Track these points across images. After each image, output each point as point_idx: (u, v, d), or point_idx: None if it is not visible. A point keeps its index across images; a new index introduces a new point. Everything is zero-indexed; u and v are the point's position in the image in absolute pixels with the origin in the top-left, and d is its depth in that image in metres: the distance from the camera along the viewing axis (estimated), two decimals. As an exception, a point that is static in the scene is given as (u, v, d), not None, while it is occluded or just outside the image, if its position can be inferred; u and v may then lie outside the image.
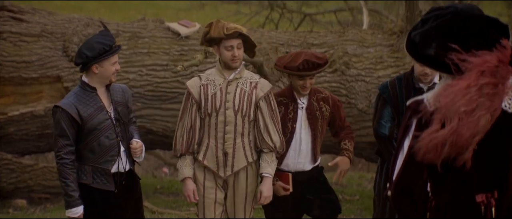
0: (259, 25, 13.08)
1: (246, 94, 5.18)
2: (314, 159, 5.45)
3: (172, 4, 16.98)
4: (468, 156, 2.85)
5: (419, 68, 5.36)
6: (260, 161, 5.25)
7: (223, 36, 5.07)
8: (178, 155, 5.22)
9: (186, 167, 5.20)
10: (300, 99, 5.41)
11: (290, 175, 5.35)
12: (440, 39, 2.92)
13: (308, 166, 5.44)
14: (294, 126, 5.37)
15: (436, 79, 5.42)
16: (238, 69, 5.20)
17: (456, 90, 2.81)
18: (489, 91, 2.81)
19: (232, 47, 5.11)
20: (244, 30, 5.18)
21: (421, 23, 3.03)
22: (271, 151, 5.21)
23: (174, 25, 8.76)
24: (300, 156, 5.39)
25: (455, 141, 2.80)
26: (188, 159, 5.20)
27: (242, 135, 5.19)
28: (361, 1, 10.52)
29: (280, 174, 5.35)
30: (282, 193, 5.34)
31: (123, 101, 5.07)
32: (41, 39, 8.41)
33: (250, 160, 5.24)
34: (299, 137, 5.39)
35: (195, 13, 15.42)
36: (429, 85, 5.40)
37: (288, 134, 5.36)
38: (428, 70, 5.30)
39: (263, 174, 5.22)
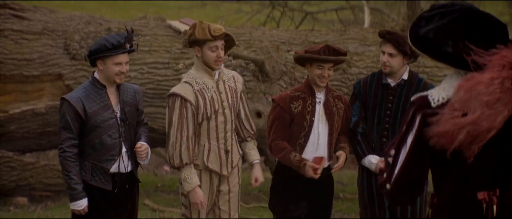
0: (260, 24, 13.09)
1: (233, 90, 5.26)
2: (330, 156, 5.44)
3: (173, 3, 16.98)
4: (475, 149, 2.86)
5: (381, 58, 5.42)
6: (246, 150, 5.40)
7: (210, 38, 5.04)
8: (184, 165, 5.13)
9: (194, 176, 5.14)
10: (318, 94, 5.41)
11: (324, 158, 5.34)
12: (456, 36, 2.94)
13: (324, 163, 5.43)
14: (313, 119, 5.36)
15: (405, 76, 5.44)
16: (221, 67, 5.24)
17: (479, 81, 2.83)
18: (509, 86, 2.82)
19: (216, 48, 5.08)
20: (228, 31, 5.23)
21: (426, 20, 3.05)
22: (252, 138, 5.41)
23: (176, 23, 8.77)
24: (318, 150, 5.38)
25: (473, 130, 2.81)
26: (192, 167, 5.16)
27: (235, 130, 5.32)
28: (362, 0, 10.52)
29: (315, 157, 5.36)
30: (310, 174, 5.32)
31: (133, 102, 5.06)
32: (43, 37, 8.41)
33: (240, 152, 5.37)
34: (317, 131, 5.38)
35: (196, 12, 15.42)
36: (397, 81, 5.43)
37: (306, 127, 5.36)
38: (385, 59, 5.36)
39: (254, 162, 5.41)
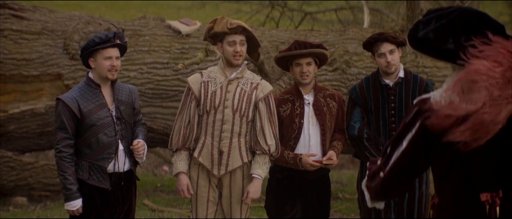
0: (259, 24, 13.10)
1: (246, 94, 5.17)
2: (323, 156, 5.43)
3: (172, 3, 16.98)
4: (479, 144, 2.86)
5: (381, 62, 5.43)
6: (252, 162, 5.21)
7: (227, 31, 5.08)
8: (174, 150, 5.21)
9: (181, 162, 5.18)
10: (306, 96, 5.42)
11: (321, 162, 5.34)
12: (456, 33, 2.96)
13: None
14: (302, 121, 5.37)
15: (401, 74, 5.49)
16: (240, 69, 5.19)
17: (478, 73, 2.83)
18: (510, 79, 2.83)
19: (234, 42, 5.10)
20: (248, 27, 5.19)
21: (423, 24, 3.07)
22: (264, 153, 5.20)
23: (175, 23, 8.77)
24: (310, 152, 5.38)
25: (478, 123, 2.81)
26: (183, 154, 5.19)
27: (239, 134, 5.16)
28: (362, 0, 10.52)
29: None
30: (308, 166, 5.32)
31: (129, 101, 5.07)
32: (42, 37, 8.41)
33: (246, 160, 5.20)
34: (308, 133, 5.38)
35: (195, 12, 15.42)
36: (395, 80, 5.46)
37: (296, 129, 5.37)
38: (389, 58, 5.38)
39: (253, 175, 5.18)
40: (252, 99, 5.17)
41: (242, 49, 5.13)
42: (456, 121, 2.85)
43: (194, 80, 5.19)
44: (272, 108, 5.22)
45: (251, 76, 5.25)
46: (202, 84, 5.16)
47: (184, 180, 5.18)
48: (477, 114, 2.82)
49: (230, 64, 5.15)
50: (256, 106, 5.18)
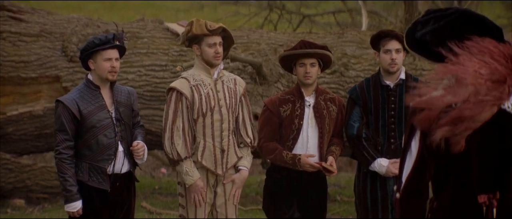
0: (258, 26, 13.09)
1: (232, 91, 5.27)
2: (321, 158, 5.45)
3: (171, 5, 17.00)
4: (460, 143, 2.86)
5: (386, 58, 5.44)
6: (239, 155, 5.32)
7: (207, 33, 5.13)
8: (183, 159, 5.15)
9: (194, 169, 5.17)
10: (307, 98, 5.44)
11: (322, 163, 5.35)
12: (453, 37, 2.96)
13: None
14: (301, 122, 5.39)
15: (402, 75, 5.51)
16: (221, 67, 5.27)
17: (466, 68, 2.83)
18: (499, 79, 2.83)
19: (214, 44, 5.16)
20: (227, 28, 5.27)
21: (421, 25, 3.07)
22: (246, 146, 5.33)
23: (173, 26, 8.77)
24: (308, 153, 5.39)
25: (456, 117, 2.81)
26: (191, 161, 5.18)
27: (232, 131, 5.27)
28: (360, 2, 10.53)
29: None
30: (307, 166, 5.34)
31: (127, 103, 5.09)
32: (40, 39, 8.40)
33: (239, 155, 5.31)
34: (306, 135, 5.41)
35: (194, 14, 15.41)
36: (396, 81, 5.47)
37: (294, 130, 5.40)
38: (394, 55, 5.40)
39: (239, 167, 5.31)
40: (237, 95, 5.29)
41: (221, 49, 5.21)
42: (438, 115, 2.85)
43: (183, 86, 5.19)
44: (248, 100, 5.39)
45: (227, 73, 5.36)
46: (193, 88, 5.17)
47: (201, 185, 5.19)
48: (458, 108, 2.82)
49: (210, 65, 5.20)
50: (240, 100, 5.30)
